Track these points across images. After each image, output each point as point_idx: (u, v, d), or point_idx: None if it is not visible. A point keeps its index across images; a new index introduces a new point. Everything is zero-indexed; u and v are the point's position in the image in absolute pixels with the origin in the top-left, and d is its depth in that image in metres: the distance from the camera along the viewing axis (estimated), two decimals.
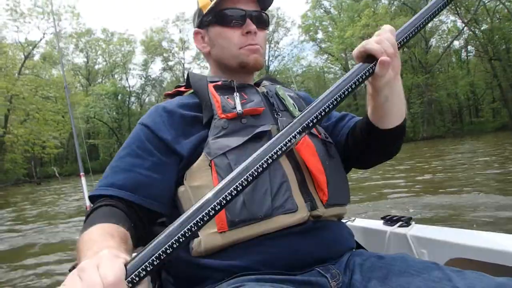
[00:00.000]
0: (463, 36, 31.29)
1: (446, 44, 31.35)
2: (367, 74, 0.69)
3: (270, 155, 0.59)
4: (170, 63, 43.31)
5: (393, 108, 0.82)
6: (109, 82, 41.63)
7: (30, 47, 30.15)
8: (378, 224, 1.26)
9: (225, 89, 0.88)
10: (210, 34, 0.95)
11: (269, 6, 0.98)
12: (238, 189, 0.55)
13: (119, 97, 41.51)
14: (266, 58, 41.76)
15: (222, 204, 0.54)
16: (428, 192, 5.09)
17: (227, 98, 0.86)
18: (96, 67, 43.87)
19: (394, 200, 4.83)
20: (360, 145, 0.93)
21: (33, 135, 24.17)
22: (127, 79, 44.31)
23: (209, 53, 0.97)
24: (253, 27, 0.90)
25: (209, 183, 0.76)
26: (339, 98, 0.65)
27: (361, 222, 1.34)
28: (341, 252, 0.81)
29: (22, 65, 25.28)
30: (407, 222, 1.18)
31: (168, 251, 0.50)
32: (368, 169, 1.03)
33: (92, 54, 42.93)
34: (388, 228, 1.19)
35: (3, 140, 23.84)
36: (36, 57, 31.88)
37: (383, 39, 0.70)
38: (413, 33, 0.73)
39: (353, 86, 0.66)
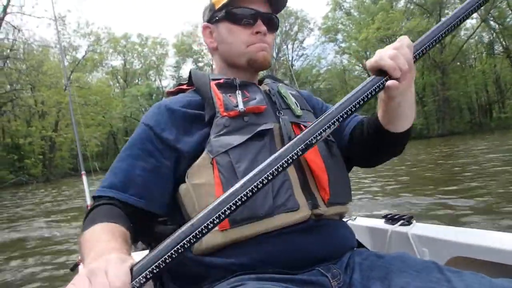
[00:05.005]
0: (491, 31, 31.07)
1: (463, 43, 31.28)
2: (379, 87, 0.69)
3: (277, 166, 0.60)
4: (200, 64, 46.00)
5: (403, 113, 0.83)
6: (144, 84, 45.24)
7: (75, 57, 35.07)
8: (379, 223, 1.27)
9: (228, 87, 0.88)
10: (219, 30, 0.95)
11: (280, 10, 0.99)
12: (242, 199, 0.57)
13: (153, 97, 44.94)
14: (290, 58, 43.38)
15: (226, 213, 0.56)
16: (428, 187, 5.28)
17: (229, 96, 0.86)
18: (133, 69, 47.53)
19: (395, 198, 4.91)
20: (365, 144, 0.94)
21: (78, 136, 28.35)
22: (160, 80, 47.83)
23: (215, 49, 0.98)
24: (263, 28, 0.91)
25: (211, 181, 0.76)
26: (350, 111, 0.66)
27: (363, 221, 1.34)
28: (342, 252, 0.82)
29: (68, 78, 29.71)
30: (408, 220, 1.19)
31: (173, 256, 0.53)
32: (370, 167, 1.05)
33: (129, 57, 46.70)
34: (390, 227, 1.19)
35: (54, 141, 28.09)
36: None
37: (398, 55, 0.68)
38: (432, 44, 0.71)
39: (365, 99, 0.67)
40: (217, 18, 0.96)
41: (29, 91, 27.34)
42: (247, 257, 0.74)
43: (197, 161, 0.79)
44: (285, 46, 42.79)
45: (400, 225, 1.19)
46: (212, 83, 0.89)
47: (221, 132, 0.81)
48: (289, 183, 0.79)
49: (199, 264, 0.77)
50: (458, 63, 32.65)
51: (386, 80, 0.69)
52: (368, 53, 34.36)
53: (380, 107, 0.84)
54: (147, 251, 0.93)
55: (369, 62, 0.71)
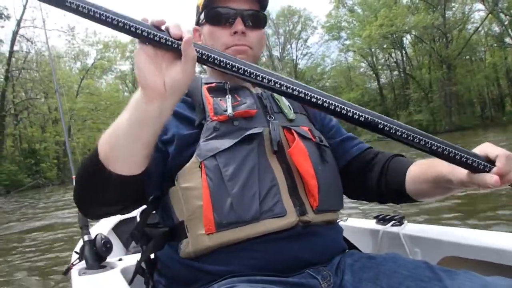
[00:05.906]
0: (500, 24, 30.77)
1: (470, 36, 31.11)
2: (470, 165, 0.57)
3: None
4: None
5: (443, 195, 0.79)
6: None
7: (85, 64, 36.38)
8: (370, 224, 1.26)
9: (219, 90, 0.87)
10: (204, 32, 0.95)
11: (267, 4, 0.96)
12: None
13: None
14: (294, 57, 43.59)
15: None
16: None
17: (220, 100, 0.85)
18: None
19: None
20: (364, 181, 0.92)
21: (89, 140, 29.23)
22: None
23: None
24: (240, 27, 0.88)
25: (199, 185, 0.76)
26: (405, 139, 0.58)
27: (354, 221, 1.34)
28: (331, 256, 0.82)
29: (79, 86, 30.92)
30: (399, 221, 1.18)
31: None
32: (350, 198, 1.02)
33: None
34: (381, 228, 1.19)
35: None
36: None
37: None
38: None
39: (444, 154, 0.57)
40: (201, 20, 0.96)
41: (42, 99, 28.42)
42: (235, 262, 0.75)
43: (187, 165, 0.79)
44: (289, 46, 43.09)
45: (392, 225, 1.19)
46: (204, 87, 0.89)
47: (211, 136, 0.81)
48: (277, 188, 0.78)
49: (188, 268, 0.78)
50: (468, 57, 32.43)
51: (484, 170, 0.60)
52: (372, 49, 34.43)
53: (422, 174, 0.80)
54: (139, 254, 0.98)
55: (493, 147, 0.63)
